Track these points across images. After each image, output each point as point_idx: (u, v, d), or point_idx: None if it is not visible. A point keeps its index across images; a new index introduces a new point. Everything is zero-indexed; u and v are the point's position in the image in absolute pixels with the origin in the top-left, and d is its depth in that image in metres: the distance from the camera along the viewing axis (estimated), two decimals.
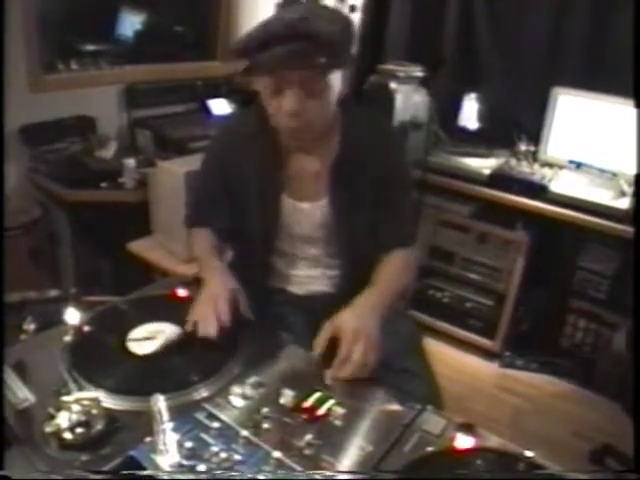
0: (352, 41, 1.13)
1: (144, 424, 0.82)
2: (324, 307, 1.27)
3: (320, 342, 1.02)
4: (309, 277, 1.36)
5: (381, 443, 0.85)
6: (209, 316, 1.07)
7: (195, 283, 1.23)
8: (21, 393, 0.88)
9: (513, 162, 2.28)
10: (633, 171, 1.94)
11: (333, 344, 1.02)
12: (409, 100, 2.22)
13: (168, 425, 0.80)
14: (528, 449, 0.84)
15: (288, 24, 1.03)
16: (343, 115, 1.25)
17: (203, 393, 0.93)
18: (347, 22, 1.12)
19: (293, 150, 1.26)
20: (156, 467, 0.76)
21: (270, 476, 0.77)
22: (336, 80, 1.14)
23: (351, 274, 1.31)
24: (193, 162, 1.80)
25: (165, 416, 0.80)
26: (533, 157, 2.31)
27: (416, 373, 1.20)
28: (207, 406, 0.89)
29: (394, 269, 1.25)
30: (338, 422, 0.89)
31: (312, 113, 1.12)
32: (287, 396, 0.91)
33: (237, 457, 0.79)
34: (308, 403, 0.91)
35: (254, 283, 1.34)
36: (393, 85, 2.21)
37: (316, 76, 1.08)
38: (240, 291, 1.17)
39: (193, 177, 1.66)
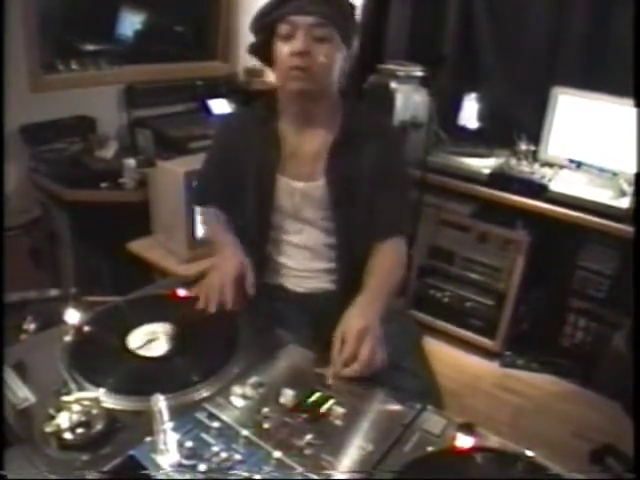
0: (355, 25, 1.30)
1: (144, 424, 0.82)
2: (324, 305, 1.27)
3: (336, 356, 1.01)
4: (307, 271, 1.36)
5: (381, 443, 0.85)
6: (216, 293, 1.15)
7: (195, 283, 1.23)
8: (21, 393, 0.88)
9: (513, 162, 2.28)
10: (633, 171, 1.94)
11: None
12: (409, 100, 2.23)
13: (168, 425, 0.80)
14: (528, 449, 0.84)
15: None
16: (345, 104, 1.32)
17: (203, 393, 0.93)
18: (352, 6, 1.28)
19: (292, 130, 1.30)
20: (156, 467, 0.76)
21: (269, 476, 0.77)
22: (339, 63, 1.23)
23: (349, 268, 1.31)
24: (193, 162, 1.80)
25: (165, 416, 0.80)
26: (533, 157, 2.31)
27: (416, 373, 1.20)
28: (207, 406, 0.89)
29: (388, 263, 1.25)
30: (338, 422, 0.88)
31: (317, 58, 1.18)
32: (287, 396, 0.91)
33: (237, 457, 0.79)
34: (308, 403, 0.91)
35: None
36: (393, 85, 2.22)
37: (325, 25, 1.17)
38: (248, 266, 1.21)
39: (193, 176, 1.67)
